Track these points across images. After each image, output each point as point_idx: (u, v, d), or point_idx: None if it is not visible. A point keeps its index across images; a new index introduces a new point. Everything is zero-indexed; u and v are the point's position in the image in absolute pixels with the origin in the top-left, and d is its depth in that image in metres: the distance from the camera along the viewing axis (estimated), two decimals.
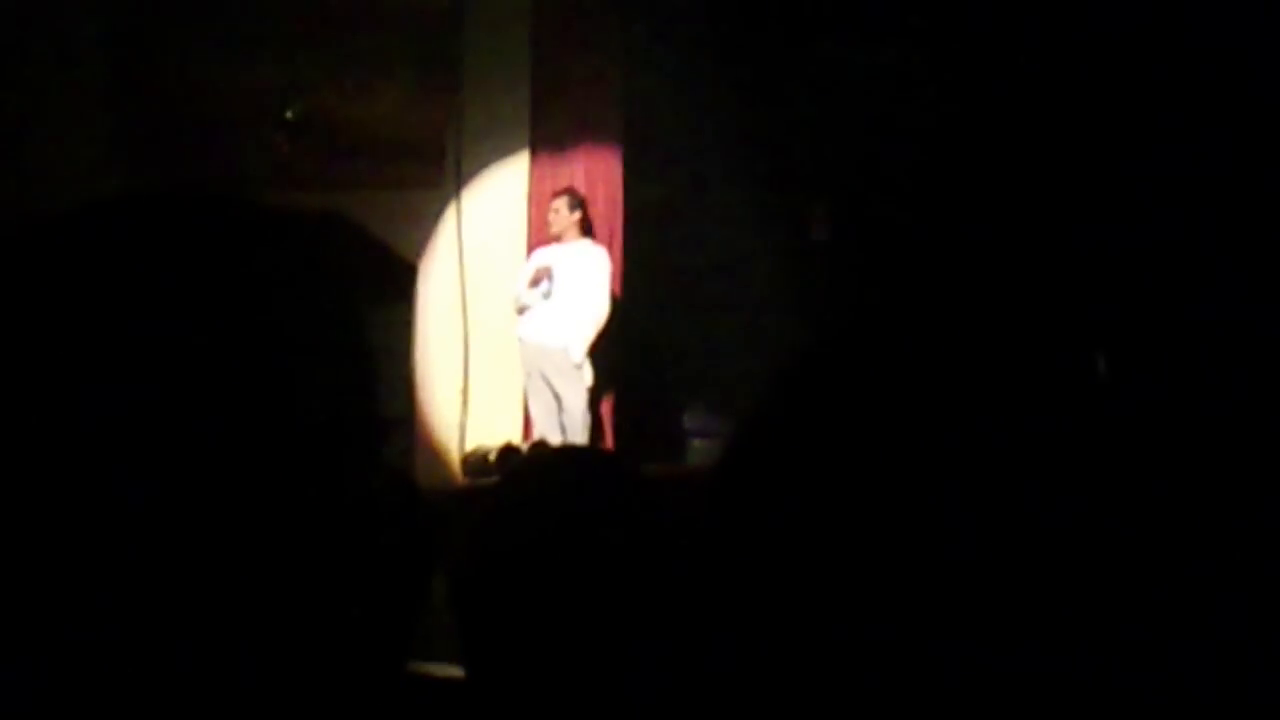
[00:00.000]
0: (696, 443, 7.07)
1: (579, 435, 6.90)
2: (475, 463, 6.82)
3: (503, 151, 7.55)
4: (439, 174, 7.42)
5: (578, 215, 7.19)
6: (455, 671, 1.48)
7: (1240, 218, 5.89)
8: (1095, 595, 0.71)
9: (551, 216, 7.19)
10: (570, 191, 7.28)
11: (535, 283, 7.00)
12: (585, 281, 7.03)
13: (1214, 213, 5.94)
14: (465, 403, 7.30)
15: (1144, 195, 6.21)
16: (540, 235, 7.32)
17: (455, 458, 7.08)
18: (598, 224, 7.38)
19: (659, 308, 7.49)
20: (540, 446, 6.61)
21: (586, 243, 7.17)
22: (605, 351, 7.18)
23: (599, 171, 7.58)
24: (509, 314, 7.20)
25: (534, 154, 7.60)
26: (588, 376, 7.07)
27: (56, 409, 0.68)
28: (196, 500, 0.68)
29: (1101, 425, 0.72)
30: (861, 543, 0.69)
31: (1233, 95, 6.00)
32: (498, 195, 7.54)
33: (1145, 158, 6.27)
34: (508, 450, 6.77)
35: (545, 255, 7.13)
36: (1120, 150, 6.43)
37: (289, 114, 6.88)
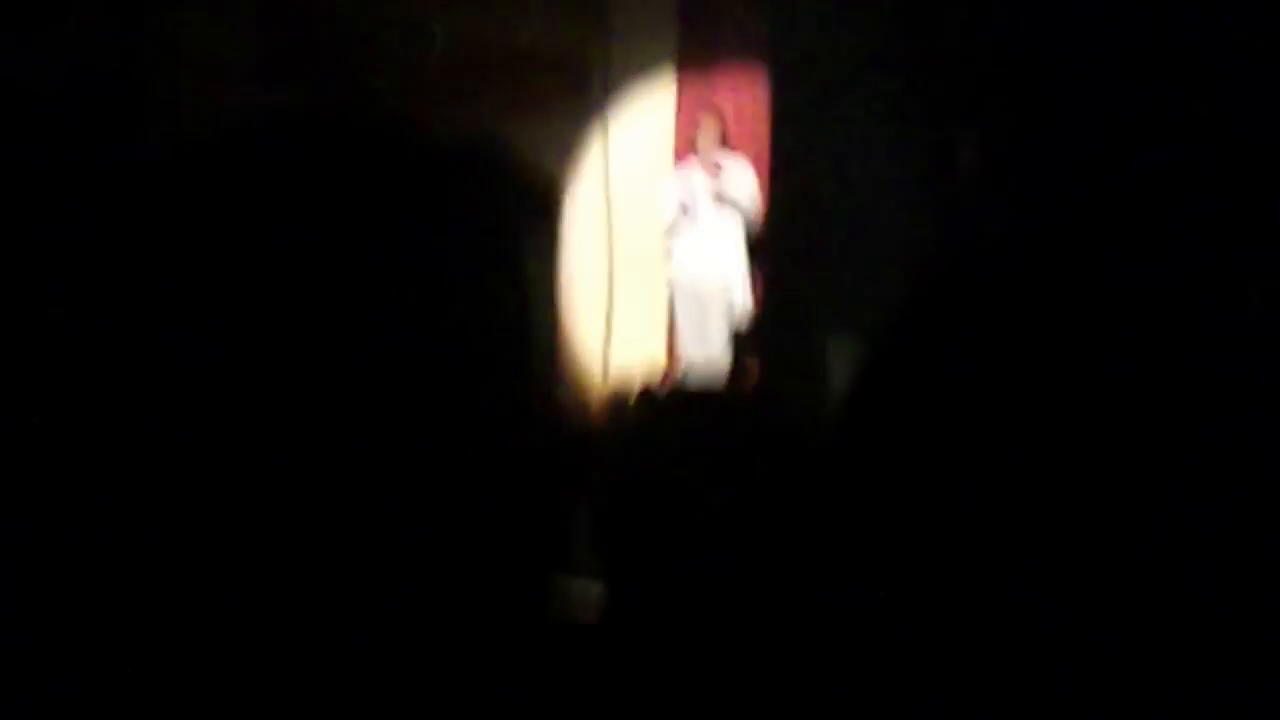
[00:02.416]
0: (840, 369, 7.04)
1: (728, 363, 6.89)
2: (620, 399, 6.85)
3: (649, 69, 7.51)
4: (584, 92, 7.42)
5: (719, 136, 7.16)
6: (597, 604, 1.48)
7: None
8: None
9: (696, 139, 7.16)
10: (712, 112, 7.22)
11: (684, 210, 7.00)
12: (734, 203, 7.00)
13: None
14: (609, 327, 7.32)
15: None
16: (686, 154, 7.30)
17: (601, 389, 7.14)
18: (744, 144, 7.32)
19: (804, 232, 7.44)
20: (680, 388, 6.64)
21: (729, 160, 7.13)
22: (754, 274, 7.15)
23: (746, 90, 7.52)
24: (655, 235, 7.19)
25: (680, 71, 7.55)
26: (741, 301, 7.05)
27: (219, 320, 0.69)
28: (346, 415, 0.69)
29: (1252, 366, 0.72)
30: (997, 471, 0.70)
31: None
32: (644, 115, 7.52)
33: None
34: (648, 390, 6.78)
35: (688, 177, 7.10)
36: None
37: (435, 33, 6.92)
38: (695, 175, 7.10)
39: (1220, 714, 0.70)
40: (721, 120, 7.20)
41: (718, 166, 7.06)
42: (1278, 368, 0.71)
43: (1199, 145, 6.30)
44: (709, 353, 6.96)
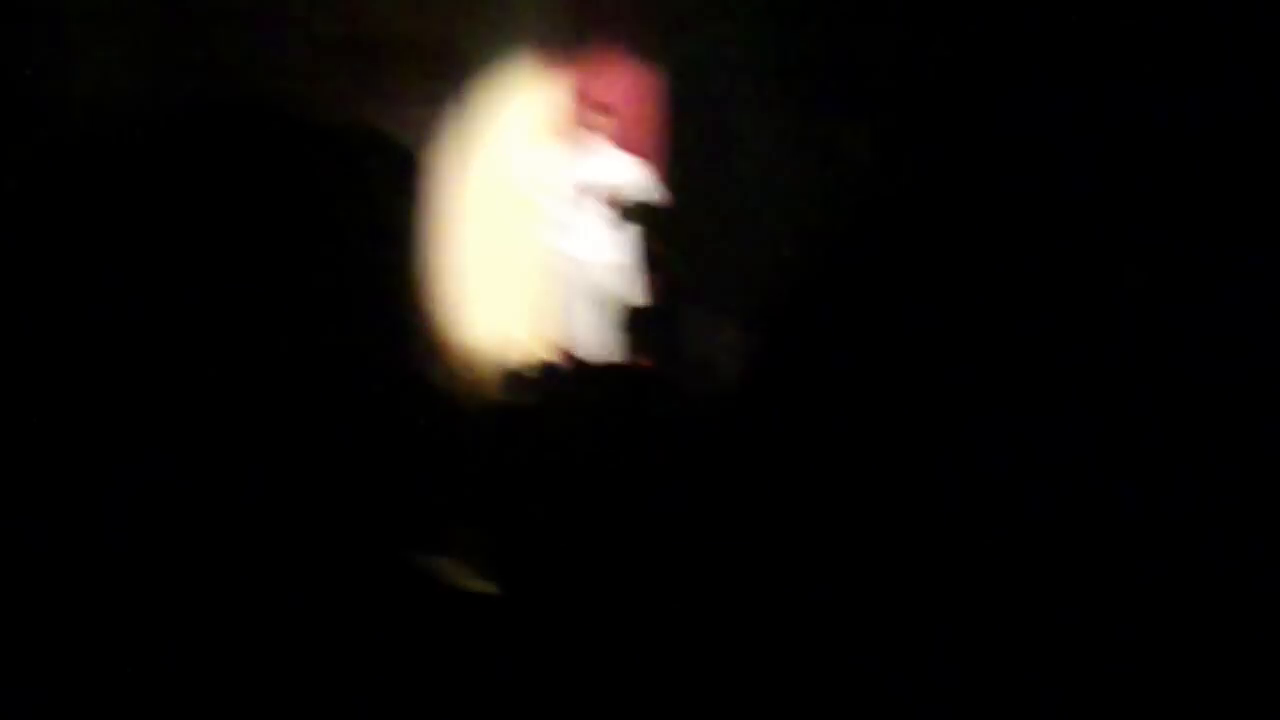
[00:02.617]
0: (729, 360, 7.09)
1: (615, 351, 6.92)
2: (515, 378, 6.86)
3: (533, 55, 7.49)
4: (466, 77, 7.39)
5: (608, 124, 7.17)
6: (487, 588, 1.48)
7: None
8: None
9: (585, 125, 7.17)
10: (603, 104, 7.24)
11: (570, 198, 7.02)
12: (621, 191, 7.03)
13: None
14: (491, 317, 7.31)
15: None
16: (572, 142, 7.29)
17: (484, 372, 7.11)
18: (632, 132, 7.34)
19: (694, 221, 7.48)
20: (579, 364, 6.66)
21: (619, 153, 7.15)
22: (644, 265, 7.18)
23: (632, 78, 7.53)
24: (538, 225, 7.19)
25: (565, 58, 7.54)
26: (628, 292, 7.08)
27: (92, 315, 0.68)
28: (223, 400, 0.69)
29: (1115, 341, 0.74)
30: (882, 455, 0.71)
31: None
32: (527, 101, 7.50)
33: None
34: (548, 367, 6.82)
35: (580, 168, 7.11)
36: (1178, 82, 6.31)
37: (317, 24, 6.85)
38: (582, 161, 7.11)
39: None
40: (608, 107, 7.22)
41: (606, 152, 7.08)
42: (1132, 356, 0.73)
43: (1083, 138, 6.40)
44: (593, 338, 6.98)
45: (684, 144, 7.49)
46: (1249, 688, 0.74)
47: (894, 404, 0.76)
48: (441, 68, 7.31)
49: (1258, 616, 0.75)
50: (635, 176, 7.12)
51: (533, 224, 7.26)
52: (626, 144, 7.29)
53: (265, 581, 0.74)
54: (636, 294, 7.22)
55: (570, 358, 6.96)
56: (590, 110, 7.24)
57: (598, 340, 7.03)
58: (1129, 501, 0.78)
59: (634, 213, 7.14)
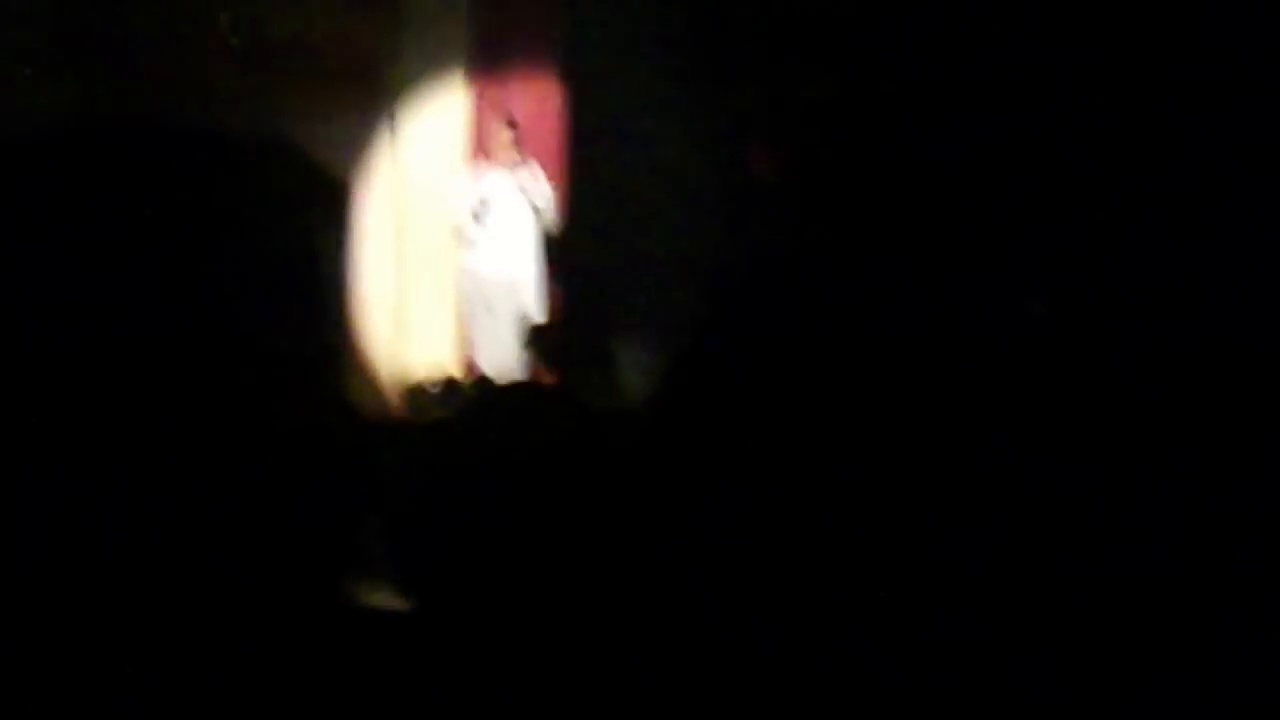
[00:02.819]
0: (636, 375, 7.10)
1: (521, 367, 6.92)
2: (418, 394, 6.84)
3: (441, 67, 7.47)
4: (376, 90, 7.35)
5: (514, 143, 7.18)
6: (394, 604, 1.48)
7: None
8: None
9: (491, 145, 7.18)
10: (506, 119, 7.24)
11: (476, 215, 7.02)
12: (527, 208, 7.05)
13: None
14: (400, 332, 7.27)
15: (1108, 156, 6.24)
16: (479, 158, 7.29)
17: (390, 387, 7.07)
18: (538, 148, 7.35)
19: (599, 238, 7.49)
20: (483, 381, 6.65)
21: (523, 167, 7.16)
22: (549, 280, 7.19)
23: (539, 95, 7.54)
24: (447, 240, 7.18)
25: (473, 72, 7.52)
26: (535, 307, 7.09)
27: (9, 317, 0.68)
28: (134, 411, 0.68)
29: (1029, 365, 0.75)
30: (796, 468, 0.72)
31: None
32: (437, 119, 7.47)
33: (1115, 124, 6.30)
34: (451, 383, 6.81)
35: (483, 183, 7.11)
36: (1078, 105, 6.44)
37: (227, 36, 6.79)
38: (488, 177, 7.11)
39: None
40: (514, 124, 7.22)
41: (512, 169, 7.08)
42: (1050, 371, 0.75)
43: (997, 151, 6.51)
44: (499, 354, 6.98)
45: (589, 156, 7.51)
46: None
47: (805, 414, 0.78)
48: (357, 83, 7.28)
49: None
50: (541, 190, 7.13)
51: (442, 240, 7.24)
52: (532, 157, 7.30)
53: (180, 596, 0.74)
54: (543, 309, 7.23)
55: (476, 375, 6.94)
56: (497, 124, 7.24)
57: (504, 356, 7.02)
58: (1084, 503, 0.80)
59: (541, 227, 7.16)
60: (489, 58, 7.53)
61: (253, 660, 0.79)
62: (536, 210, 7.09)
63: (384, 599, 1.60)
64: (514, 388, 2.43)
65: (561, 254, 7.31)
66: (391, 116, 7.37)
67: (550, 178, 7.29)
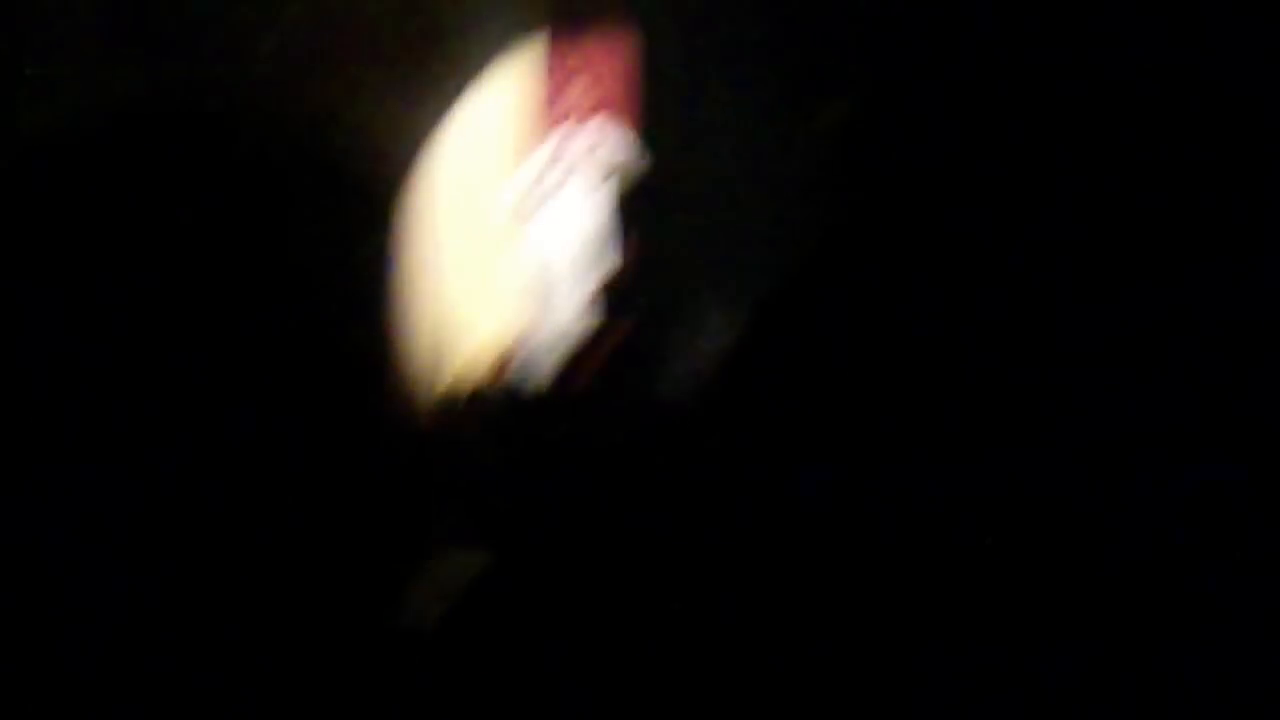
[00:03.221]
0: (708, 337, 7.08)
1: (594, 326, 6.92)
2: (454, 404, 6.84)
3: (510, 38, 7.46)
4: (444, 55, 7.36)
5: (588, 95, 7.16)
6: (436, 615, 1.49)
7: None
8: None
9: (565, 99, 7.16)
10: (581, 71, 7.23)
11: (551, 165, 7.02)
12: (603, 159, 7.03)
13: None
14: (451, 331, 7.28)
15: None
16: (553, 114, 7.29)
17: (435, 392, 7.05)
18: (613, 107, 7.33)
19: (674, 194, 7.47)
20: (512, 394, 6.66)
21: (598, 120, 7.14)
22: (622, 235, 7.19)
23: (613, 53, 7.51)
24: (504, 228, 7.19)
25: (548, 34, 7.51)
26: (608, 263, 7.09)
27: (63, 308, 0.69)
28: (186, 410, 0.69)
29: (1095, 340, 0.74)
30: (870, 459, 0.72)
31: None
32: (511, 76, 7.48)
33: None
34: (476, 398, 6.79)
35: (558, 137, 7.11)
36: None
37: (284, 15, 6.82)
38: (565, 134, 7.10)
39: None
40: (590, 80, 7.20)
41: (583, 127, 7.07)
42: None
43: (1047, 140, 6.37)
44: (577, 311, 6.98)
45: (659, 110, 7.47)
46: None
47: (881, 407, 0.77)
48: (429, 45, 7.29)
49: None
50: (618, 142, 7.11)
51: (500, 230, 7.24)
52: (605, 111, 7.28)
53: (218, 599, 0.76)
54: (619, 263, 7.22)
55: (510, 379, 6.93)
56: (571, 77, 7.22)
57: (578, 311, 7.02)
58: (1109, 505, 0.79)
59: (618, 182, 7.14)
60: (562, 13, 7.50)
61: (290, 677, 0.80)
62: (613, 160, 7.07)
63: (426, 608, 1.62)
64: (558, 386, 2.42)
65: (638, 205, 7.29)
66: (464, 80, 7.38)
67: (624, 127, 7.26)
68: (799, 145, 7.53)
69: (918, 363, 0.72)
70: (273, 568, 0.74)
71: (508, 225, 7.28)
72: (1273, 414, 0.77)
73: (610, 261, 7.18)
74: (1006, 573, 0.73)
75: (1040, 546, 0.73)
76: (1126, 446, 0.76)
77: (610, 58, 7.51)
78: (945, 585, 0.72)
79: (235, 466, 0.71)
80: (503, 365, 6.91)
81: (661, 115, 7.45)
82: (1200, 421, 0.83)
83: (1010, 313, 0.73)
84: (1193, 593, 0.74)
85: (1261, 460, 0.81)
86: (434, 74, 7.26)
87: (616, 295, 7.16)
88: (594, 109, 7.20)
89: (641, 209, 7.32)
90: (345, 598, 0.81)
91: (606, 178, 7.12)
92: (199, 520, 0.72)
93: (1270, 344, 0.77)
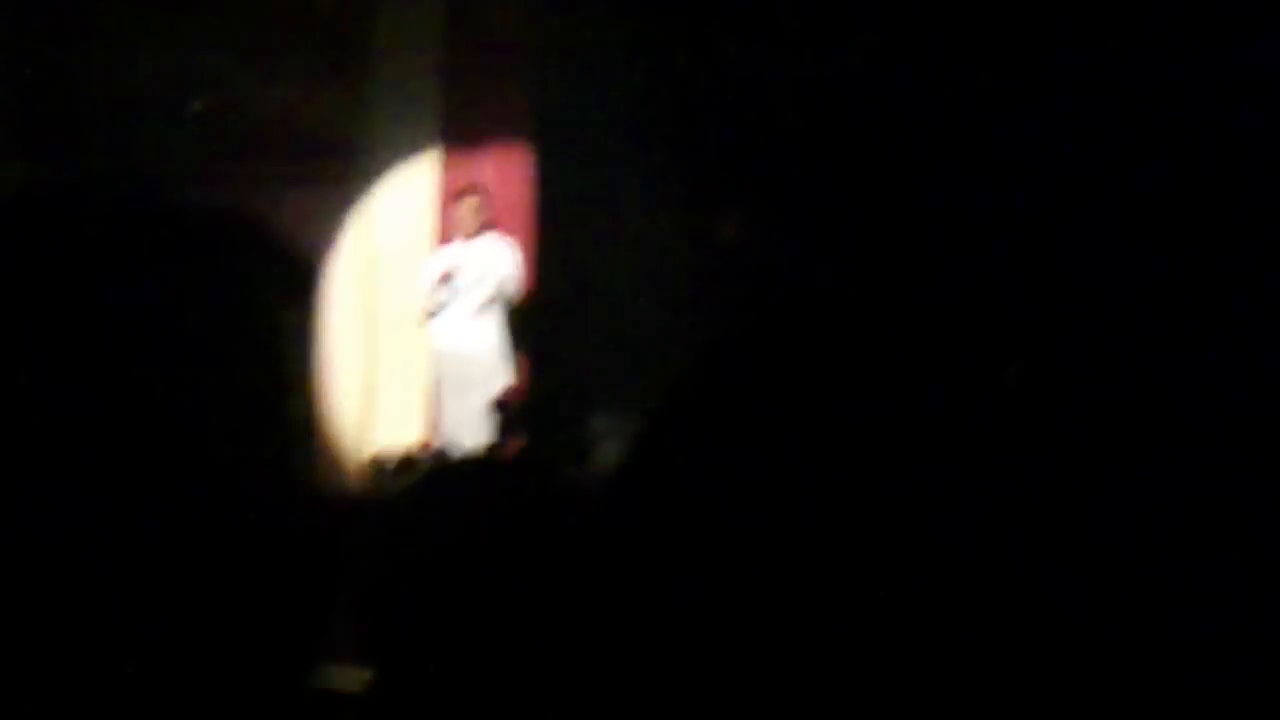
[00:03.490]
0: (607, 444, 7.09)
1: (490, 438, 6.90)
2: (379, 469, 6.81)
3: (411, 143, 7.50)
4: (345, 165, 7.37)
5: (481, 214, 7.19)
6: (360, 678, 1.46)
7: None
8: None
9: (452, 217, 7.19)
10: (473, 188, 7.26)
11: (442, 284, 7.01)
12: (493, 278, 7.05)
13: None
14: (369, 410, 7.24)
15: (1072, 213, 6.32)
16: (447, 229, 7.31)
17: (359, 465, 7.01)
18: (510, 223, 7.37)
19: (569, 307, 7.50)
20: (441, 455, 6.62)
21: (490, 238, 7.17)
22: (517, 350, 7.20)
23: (510, 167, 7.57)
24: (416, 314, 7.18)
25: (443, 146, 7.56)
26: (502, 379, 7.08)
27: None
28: (89, 505, 0.67)
29: (1005, 429, 0.75)
30: (764, 540, 0.72)
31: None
32: (406, 191, 7.50)
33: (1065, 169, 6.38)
34: (409, 459, 6.78)
35: (449, 254, 7.12)
36: (1038, 164, 6.53)
37: (194, 107, 6.80)
38: (457, 251, 7.11)
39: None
40: (483, 197, 7.23)
41: (477, 238, 7.10)
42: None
43: (958, 222, 6.57)
44: (470, 429, 6.95)
45: (559, 227, 7.53)
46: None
47: (777, 486, 0.77)
48: (326, 154, 7.29)
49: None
50: (507, 259, 7.14)
51: (412, 315, 7.23)
52: (502, 227, 7.32)
53: (145, 682, 0.73)
54: (511, 379, 7.22)
55: (440, 448, 6.90)
56: (463, 194, 7.26)
57: (473, 429, 7.00)
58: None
59: (508, 298, 7.16)
60: (459, 128, 7.56)
61: None
62: (502, 280, 7.09)
63: (348, 678, 1.59)
64: (471, 460, 2.42)
65: (529, 324, 7.31)
66: (361, 189, 7.39)
67: (520, 248, 7.30)
68: (696, 258, 7.64)
69: (809, 479, 0.73)
70: (191, 631, 0.73)
71: (407, 329, 7.26)
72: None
73: (504, 377, 7.18)
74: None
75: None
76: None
77: (507, 172, 7.58)
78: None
79: (160, 533, 0.70)
80: (419, 447, 6.86)
81: (557, 230, 7.52)
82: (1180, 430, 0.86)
83: (898, 438, 0.74)
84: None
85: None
86: (334, 174, 7.27)
87: (510, 410, 7.16)
88: (489, 224, 7.24)
89: (535, 325, 7.35)
90: (267, 661, 0.79)
91: (500, 293, 7.14)
92: (132, 600, 0.70)
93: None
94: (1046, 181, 6.43)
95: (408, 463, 6.65)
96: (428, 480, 1.66)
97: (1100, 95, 6.21)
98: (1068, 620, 0.74)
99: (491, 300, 7.07)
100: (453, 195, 7.33)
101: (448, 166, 7.53)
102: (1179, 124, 5.89)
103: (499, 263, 7.09)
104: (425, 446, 7.03)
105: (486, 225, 7.19)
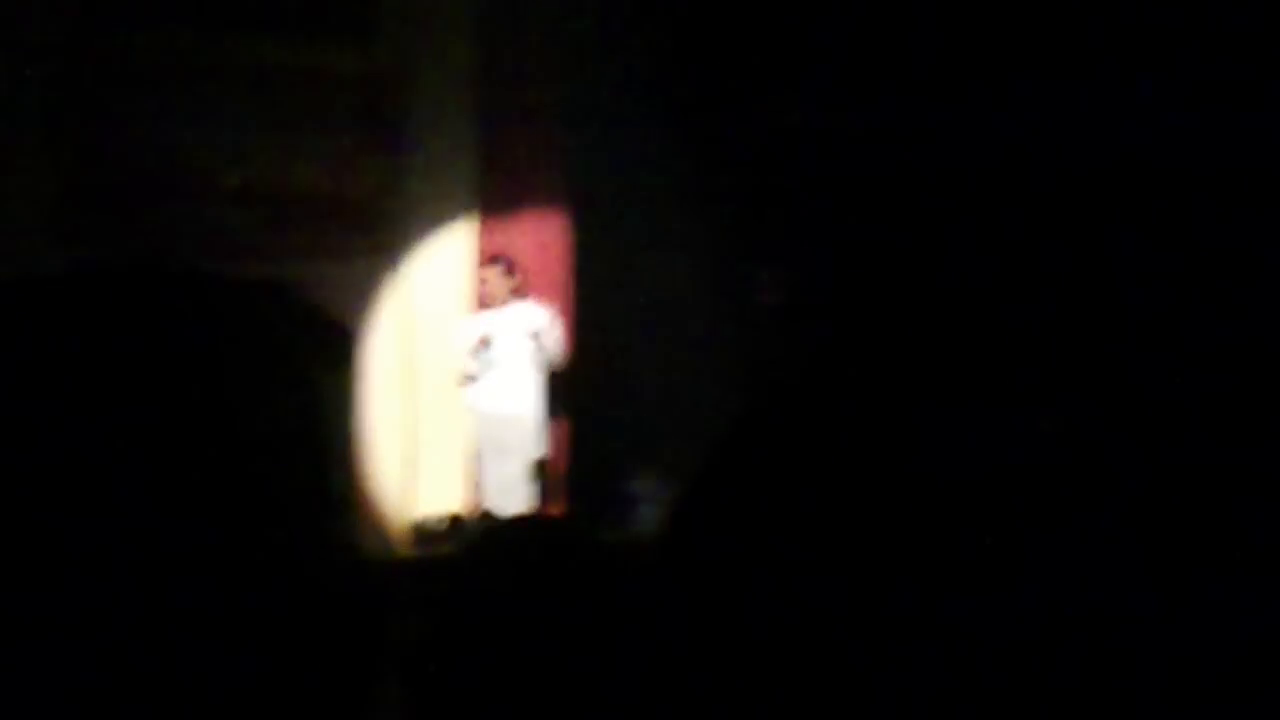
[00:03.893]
0: (646, 508, 7.06)
1: (530, 503, 6.88)
2: (425, 533, 6.80)
3: (448, 217, 7.54)
4: (383, 235, 7.41)
5: (510, 281, 7.21)
6: None
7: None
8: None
9: (481, 287, 7.21)
10: (498, 259, 7.30)
11: (478, 353, 7.02)
12: (529, 343, 7.05)
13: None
14: (411, 476, 7.24)
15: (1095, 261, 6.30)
16: (483, 298, 7.32)
17: (402, 529, 7.00)
18: (546, 290, 7.38)
19: (608, 372, 7.50)
20: (488, 517, 6.61)
21: (525, 305, 7.18)
22: (556, 415, 7.19)
23: (546, 236, 7.59)
24: (454, 382, 7.20)
25: (481, 218, 7.60)
26: (541, 444, 7.08)
27: (11, 473, 0.68)
28: (139, 581, 0.68)
29: (1047, 489, 0.75)
30: (806, 602, 0.71)
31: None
32: (443, 261, 7.52)
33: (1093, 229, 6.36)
34: (456, 521, 6.78)
35: (482, 323, 7.13)
36: (1067, 221, 6.52)
37: (231, 182, 6.87)
38: (494, 319, 7.12)
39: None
40: (509, 264, 7.25)
41: (512, 306, 7.11)
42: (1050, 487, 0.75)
43: (998, 280, 6.56)
44: (509, 493, 6.94)
45: (596, 292, 7.54)
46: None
47: (818, 550, 0.77)
48: (364, 225, 7.34)
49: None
50: (544, 326, 7.14)
51: (450, 382, 7.25)
52: (540, 295, 7.32)
53: None
54: (550, 446, 7.21)
55: (483, 512, 6.90)
56: (490, 263, 7.27)
57: (514, 495, 6.98)
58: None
59: (546, 362, 7.16)
60: (495, 198, 7.59)
61: None
62: (541, 346, 7.10)
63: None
64: (518, 522, 2.42)
65: (569, 389, 7.31)
66: (400, 258, 7.42)
67: (558, 314, 7.31)
68: (734, 321, 7.63)
69: (849, 545, 0.73)
70: (239, 700, 0.73)
71: (447, 395, 7.26)
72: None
73: (544, 441, 7.17)
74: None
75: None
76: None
77: (544, 239, 7.60)
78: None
79: (204, 602, 0.71)
80: (461, 515, 6.85)
81: (594, 295, 7.53)
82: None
83: (942, 502, 0.74)
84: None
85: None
86: (372, 245, 7.30)
87: (550, 475, 7.15)
88: (520, 291, 7.24)
89: (574, 389, 7.34)
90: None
91: (544, 358, 7.15)
92: (178, 668, 0.71)
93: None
94: (1089, 232, 6.42)
95: (455, 526, 6.65)
96: (475, 544, 1.66)
97: (1143, 168, 6.20)
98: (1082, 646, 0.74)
99: (534, 365, 7.07)
100: (482, 264, 7.34)
101: (484, 235, 7.56)
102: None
103: (537, 328, 7.10)
104: (471, 510, 7.02)
105: (517, 292, 7.20)
